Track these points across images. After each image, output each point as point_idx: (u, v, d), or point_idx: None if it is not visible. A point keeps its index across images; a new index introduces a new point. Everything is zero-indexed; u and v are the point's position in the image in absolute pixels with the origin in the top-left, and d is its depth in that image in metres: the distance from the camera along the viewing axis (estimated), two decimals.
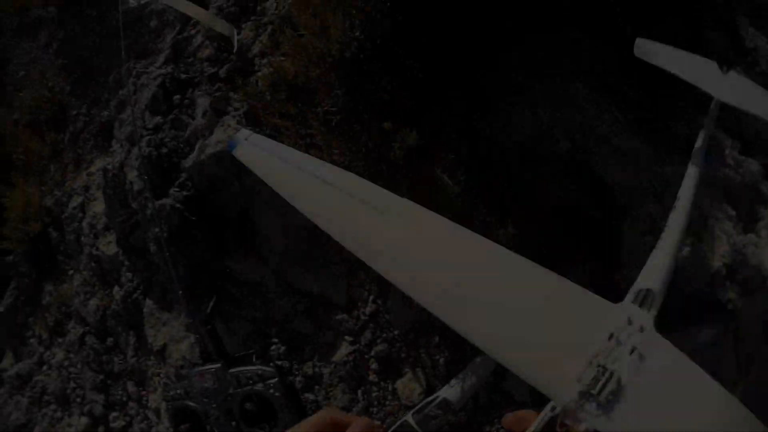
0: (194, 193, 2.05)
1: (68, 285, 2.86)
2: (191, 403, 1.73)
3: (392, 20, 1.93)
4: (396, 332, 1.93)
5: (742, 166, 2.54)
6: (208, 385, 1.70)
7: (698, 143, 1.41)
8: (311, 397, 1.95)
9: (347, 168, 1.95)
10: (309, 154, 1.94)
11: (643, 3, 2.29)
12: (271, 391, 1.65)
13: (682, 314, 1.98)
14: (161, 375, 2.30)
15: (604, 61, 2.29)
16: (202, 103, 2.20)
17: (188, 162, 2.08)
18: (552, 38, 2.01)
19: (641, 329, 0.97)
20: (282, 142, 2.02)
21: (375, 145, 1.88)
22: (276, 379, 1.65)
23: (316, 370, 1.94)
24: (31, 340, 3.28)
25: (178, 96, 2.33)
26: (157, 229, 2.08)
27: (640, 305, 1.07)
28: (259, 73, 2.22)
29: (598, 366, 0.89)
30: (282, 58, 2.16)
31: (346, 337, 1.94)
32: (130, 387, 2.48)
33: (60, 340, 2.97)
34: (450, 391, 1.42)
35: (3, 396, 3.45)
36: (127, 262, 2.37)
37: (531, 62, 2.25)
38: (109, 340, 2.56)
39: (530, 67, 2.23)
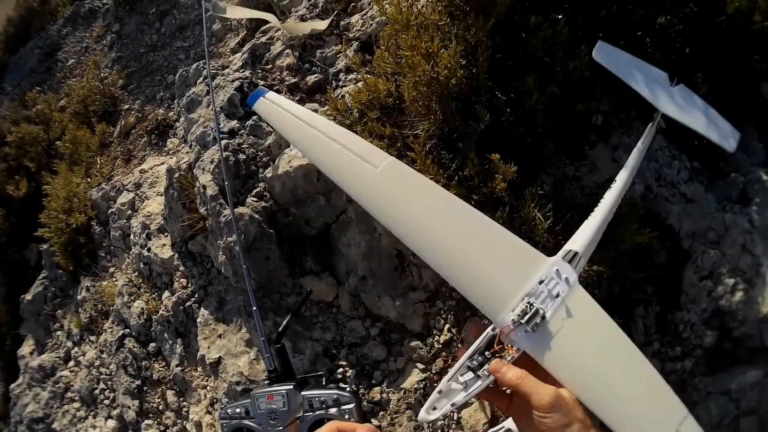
0: (272, 205, 1.99)
1: (108, 283, 2.77)
2: (252, 424, 1.65)
3: (489, 54, 1.91)
4: None
5: None
6: (276, 406, 1.61)
7: (639, 149, 1.61)
8: (375, 422, 1.86)
9: None
10: None
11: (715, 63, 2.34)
12: (347, 417, 1.57)
13: (731, 355, 2.04)
14: (208, 388, 2.20)
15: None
16: None
17: (269, 172, 2.01)
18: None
19: (567, 281, 1.21)
20: None
21: (470, 174, 1.83)
22: (352, 404, 1.57)
23: (384, 396, 1.86)
24: (58, 333, 3.18)
25: None
26: (231, 239, 2.00)
27: (569, 262, 1.26)
28: (346, 89, 2.17)
29: (528, 303, 1.14)
30: (370, 77, 2.12)
31: (418, 365, 1.86)
32: (170, 396, 2.38)
33: (92, 338, 2.87)
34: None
35: (21, 386, 3.33)
36: (182, 268, 2.29)
37: (611, 104, 2.30)
38: (152, 345, 2.47)
39: (610, 109, 2.27)
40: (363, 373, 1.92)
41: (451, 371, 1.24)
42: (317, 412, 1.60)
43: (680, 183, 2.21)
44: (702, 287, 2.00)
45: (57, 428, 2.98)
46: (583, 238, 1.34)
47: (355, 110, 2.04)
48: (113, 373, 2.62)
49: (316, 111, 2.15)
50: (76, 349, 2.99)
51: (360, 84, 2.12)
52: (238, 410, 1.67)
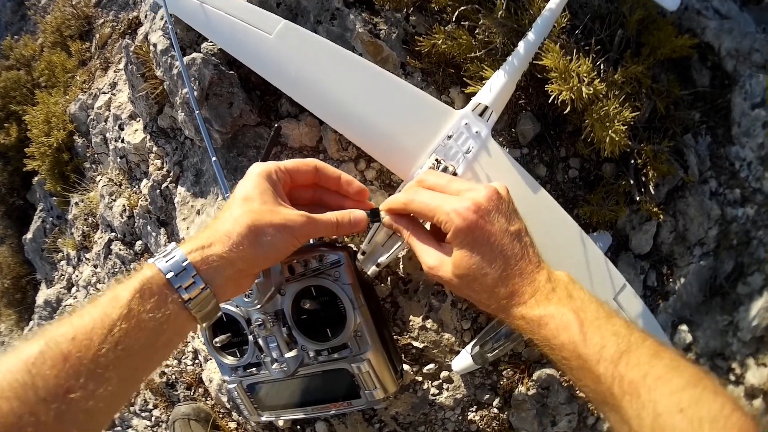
0: None
1: (95, 193, 2.55)
2: (230, 308, 1.38)
3: None
4: None
5: None
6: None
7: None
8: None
9: None
10: None
11: None
12: (336, 278, 1.28)
13: None
14: None
15: None
16: None
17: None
18: None
19: (477, 135, 1.17)
20: None
21: None
22: (342, 264, 1.28)
23: None
24: (61, 263, 3.00)
25: None
26: (185, 90, 1.71)
27: (480, 115, 1.20)
28: None
29: (435, 160, 1.13)
30: None
31: None
32: None
33: (87, 256, 2.67)
34: None
35: (32, 330, 3.20)
36: (155, 148, 2.02)
37: None
38: (138, 244, 2.23)
39: None
40: None
41: (371, 232, 1.20)
42: (301, 279, 1.32)
43: None
44: (755, 117, 1.73)
45: None
46: (494, 90, 1.23)
47: None
48: (107, 286, 2.42)
49: None
50: (76, 273, 2.80)
51: None
52: None
